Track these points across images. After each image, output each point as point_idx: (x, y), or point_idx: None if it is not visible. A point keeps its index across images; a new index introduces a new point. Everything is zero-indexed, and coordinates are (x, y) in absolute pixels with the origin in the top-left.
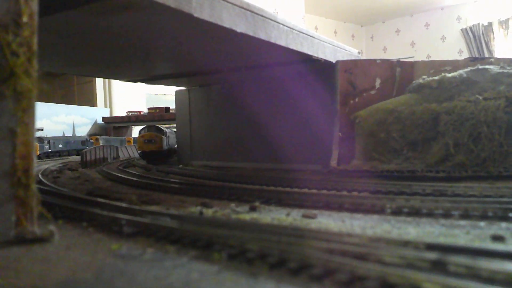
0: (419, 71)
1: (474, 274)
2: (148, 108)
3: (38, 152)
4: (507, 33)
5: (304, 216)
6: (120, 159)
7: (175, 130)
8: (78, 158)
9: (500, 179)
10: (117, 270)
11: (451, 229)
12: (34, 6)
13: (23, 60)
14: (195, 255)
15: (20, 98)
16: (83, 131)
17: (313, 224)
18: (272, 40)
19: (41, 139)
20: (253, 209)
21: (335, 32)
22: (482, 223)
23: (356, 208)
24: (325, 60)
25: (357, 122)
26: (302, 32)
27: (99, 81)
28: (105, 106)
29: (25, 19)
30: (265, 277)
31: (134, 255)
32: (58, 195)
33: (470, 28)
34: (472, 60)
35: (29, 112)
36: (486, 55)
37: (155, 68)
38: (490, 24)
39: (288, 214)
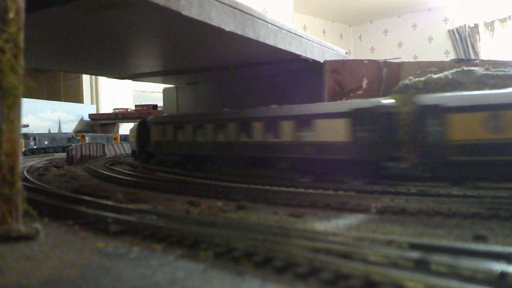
0: (405, 72)
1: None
2: (136, 105)
3: (23, 149)
4: (493, 35)
5: (291, 215)
6: (107, 156)
7: None
8: (64, 155)
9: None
10: (103, 269)
11: (434, 228)
12: (21, 2)
13: (9, 56)
14: (182, 253)
15: (5, 95)
16: (69, 127)
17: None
18: (261, 39)
19: (26, 136)
20: (240, 207)
21: (324, 31)
22: (465, 223)
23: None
24: (314, 60)
25: None
26: (290, 32)
27: (85, 78)
28: (92, 103)
29: (11, 15)
30: (251, 275)
31: (120, 254)
32: (44, 192)
33: (457, 29)
34: (458, 62)
35: (15, 109)
36: (472, 56)
37: (143, 66)
38: (476, 25)
39: (275, 213)
